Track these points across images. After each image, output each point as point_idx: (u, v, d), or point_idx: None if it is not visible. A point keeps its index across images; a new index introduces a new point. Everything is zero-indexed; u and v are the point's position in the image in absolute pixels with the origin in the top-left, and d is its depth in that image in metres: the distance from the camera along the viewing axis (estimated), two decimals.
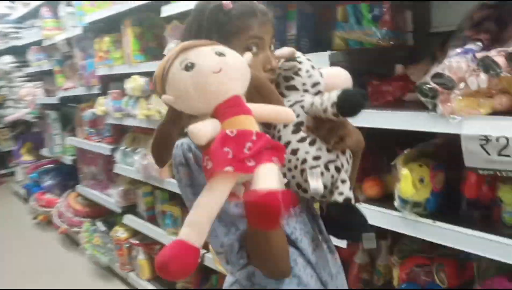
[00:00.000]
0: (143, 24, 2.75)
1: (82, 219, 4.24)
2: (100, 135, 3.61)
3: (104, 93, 3.27)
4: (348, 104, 0.94)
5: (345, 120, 1.02)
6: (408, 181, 1.42)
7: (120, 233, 3.53)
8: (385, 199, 1.60)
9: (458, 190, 1.50)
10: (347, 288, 1.23)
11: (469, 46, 1.24)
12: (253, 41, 1.01)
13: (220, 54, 0.86)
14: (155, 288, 3.23)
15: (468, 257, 1.63)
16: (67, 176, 4.97)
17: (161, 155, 1.03)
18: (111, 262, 3.70)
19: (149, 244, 3.35)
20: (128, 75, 2.88)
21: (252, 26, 1.01)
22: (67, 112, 4.41)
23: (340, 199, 0.98)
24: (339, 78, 1.10)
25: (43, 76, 4.78)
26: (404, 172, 1.42)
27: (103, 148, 3.50)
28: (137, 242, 3.39)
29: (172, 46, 2.26)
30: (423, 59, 1.69)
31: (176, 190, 2.67)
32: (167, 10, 2.32)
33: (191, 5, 2.16)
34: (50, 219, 4.86)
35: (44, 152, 5.09)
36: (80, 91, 3.71)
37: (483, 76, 1.16)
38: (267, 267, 1.02)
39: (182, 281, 3.05)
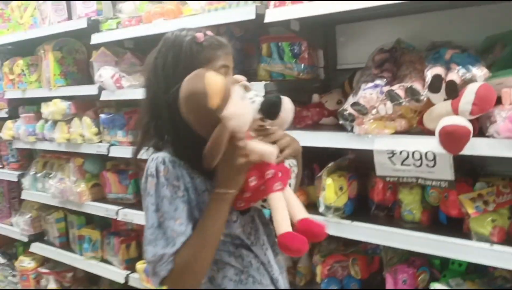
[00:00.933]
0: (63, 49, 2.77)
1: None
2: (3, 160, 3.44)
3: (12, 117, 3.15)
4: (267, 107, 1.20)
5: (282, 134, 1.26)
6: (332, 189, 1.73)
7: (26, 263, 3.37)
8: (309, 207, 1.89)
9: (367, 196, 1.86)
10: (288, 285, 1.43)
11: (377, 81, 1.60)
12: (222, 68, 1.21)
13: None
14: None
15: (375, 252, 1.99)
16: None
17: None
18: None
19: (61, 271, 3.26)
20: (44, 99, 2.86)
21: (220, 56, 1.21)
22: None
23: None
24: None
25: None
26: (329, 181, 1.73)
27: (8, 174, 3.34)
28: (47, 270, 3.26)
29: (104, 72, 2.35)
30: (332, 90, 2.05)
31: (95, 212, 2.71)
32: (97, 38, 2.42)
33: (121, 36, 2.31)
34: None
35: None
36: None
37: (389, 105, 1.52)
38: None
39: None
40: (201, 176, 1.19)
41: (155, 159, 1.18)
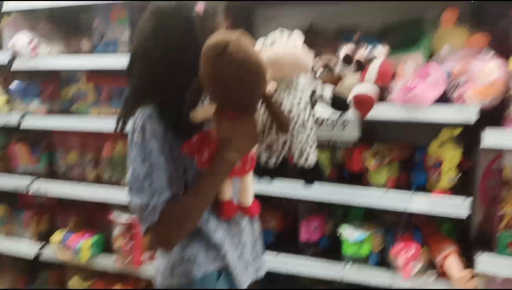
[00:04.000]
0: None
1: None
2: None
3: None
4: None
5: None
6: None
7: None
8: None
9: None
10: None
11: None
12: None
13: None
14: None
15: (286, 209, 2.28)
16: None
17: None
18: None
19: None
20: None
21: (218, 24, 1.25)
22: None
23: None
24: None
25: None
26: None
27: None
28: None
29: (20, 38, 2.29)
30: None
31: (2, 186, 2.61)
32: (10, 5, 2.34)
33: (35, 4, 2.28)
34: None
35: None
36: None
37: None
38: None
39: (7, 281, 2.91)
40: (182, 137, 1.21)
41: (143, 114, 1.20)
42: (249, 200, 1.35)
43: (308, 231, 2.06)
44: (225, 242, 1.31)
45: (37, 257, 2.63)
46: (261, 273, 1.48)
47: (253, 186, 1.35)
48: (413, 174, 1.88)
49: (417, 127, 1.84)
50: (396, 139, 2.01)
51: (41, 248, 2.61)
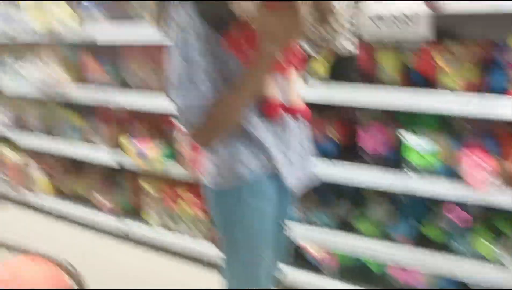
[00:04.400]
0: None
1: None
2: None
3: None
4: None
5: None
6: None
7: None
8: None
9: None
10: None
11: None
12: None
13: None
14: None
15: (348, 117, 2.17)
16: None
17: None
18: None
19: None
20: None
21: None
22: None
23: None
24: None
25: None
26: None
27: None
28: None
29: None
30: None
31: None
32: None
33: None
34: None
35: None
36: None
37: None
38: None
39: None
40: (222, 32, 1.16)
41: (181, 10, 1.14)
42: (294, 98, 1.27)
43: (370, 140, 1.95)
44: (270, 142, 1.26)
45: (113, 164, 2.80)
46: (310, 175, 1.43)
47: (298, 85, 1.27)
48: (491, 75, 1.66)
49: (499, 21, 1.59)
50: (474, 37, 1.76)
51: (116, 156, 2.78)
